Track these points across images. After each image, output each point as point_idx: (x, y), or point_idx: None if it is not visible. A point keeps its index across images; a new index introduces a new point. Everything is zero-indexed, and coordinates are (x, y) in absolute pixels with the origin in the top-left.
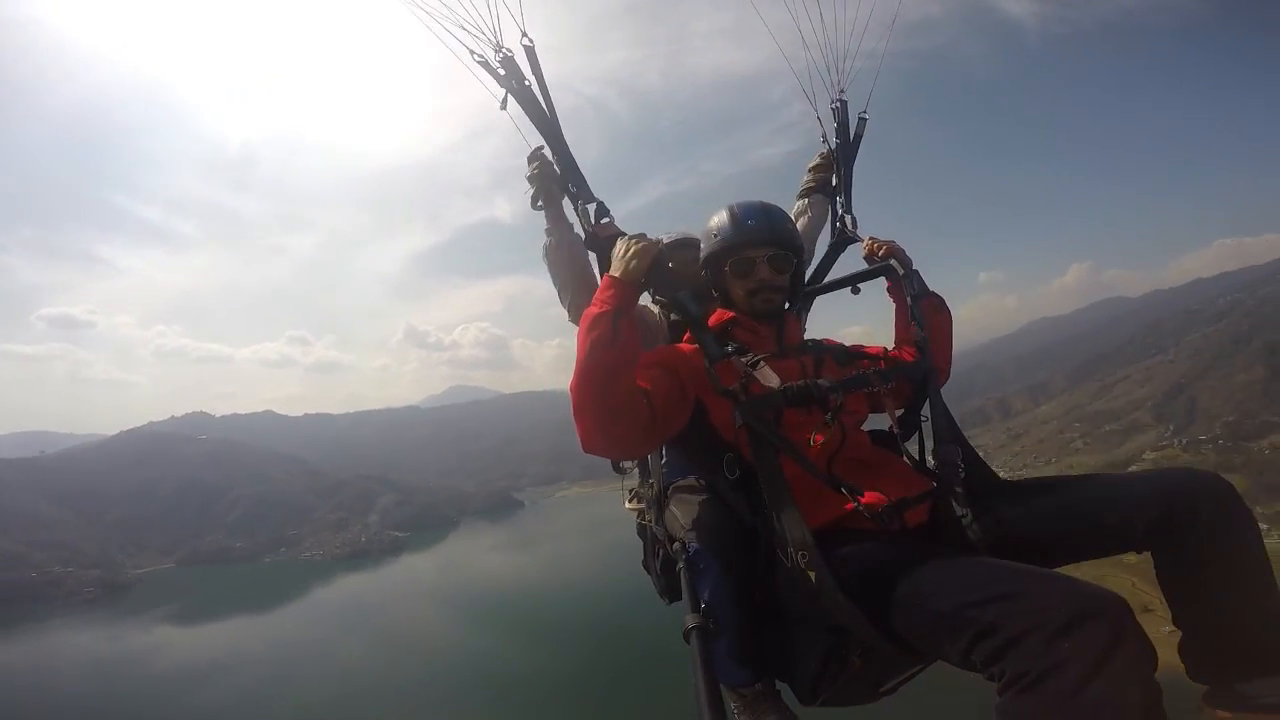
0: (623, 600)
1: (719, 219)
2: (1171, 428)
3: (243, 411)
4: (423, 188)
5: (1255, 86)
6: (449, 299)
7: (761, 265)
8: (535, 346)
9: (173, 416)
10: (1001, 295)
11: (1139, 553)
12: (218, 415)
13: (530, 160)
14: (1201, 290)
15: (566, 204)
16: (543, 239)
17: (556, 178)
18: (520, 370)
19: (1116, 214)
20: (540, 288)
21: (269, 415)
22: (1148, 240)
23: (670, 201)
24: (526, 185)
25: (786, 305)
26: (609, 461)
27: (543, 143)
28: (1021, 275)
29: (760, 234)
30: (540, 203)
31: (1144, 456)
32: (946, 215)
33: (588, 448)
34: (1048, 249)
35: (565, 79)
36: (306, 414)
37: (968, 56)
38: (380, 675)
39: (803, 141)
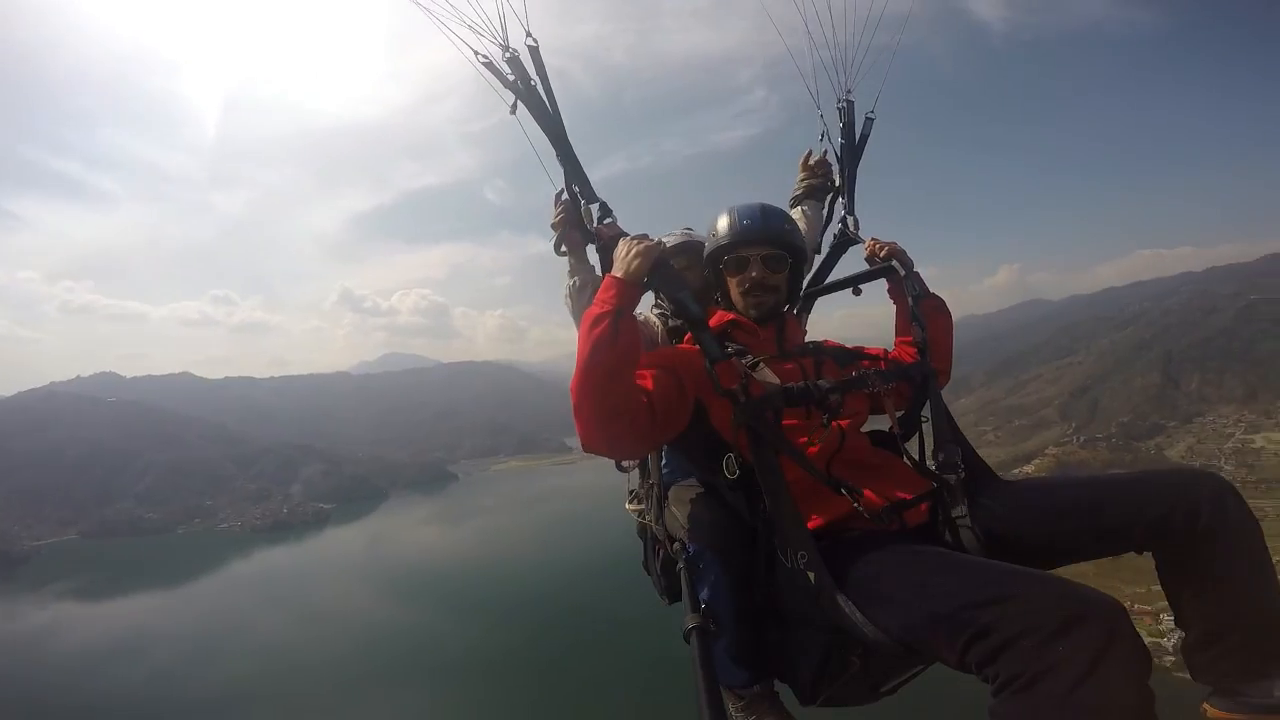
0: (561, 577)
1: (720, 220)
2: (1074, 425)
3: (157, 373)
4: (370, 148)
5: (1198, 104)
6: (389, 263)
7: (755, 263)
8: (477, 316)
9: (79, 377)
10: (936, 290)
11: (1139, 553)
12: (129, 376)
13: (556, 204)
14: (1115, 298)
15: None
16: (565, 281)
17: (580, 222)
18: (460, 339)
19: (1051, 219)
20: (485, 256)
21: (186, 378)
22: (1075, 246)
23: (631, 178)
24: (551, 231)
25: (785, 307)
26: (548, 435)
27: (563, 186)
28: (955, 272)
29: (755, 233)
30: (565, 248)
31: (1047, 451)
32: (889, 208)
33: (587, 447)
34: (982, 248)
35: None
36: (228, 377)
37: (931, 54)
38: (305, 652)
39: (761, 128)
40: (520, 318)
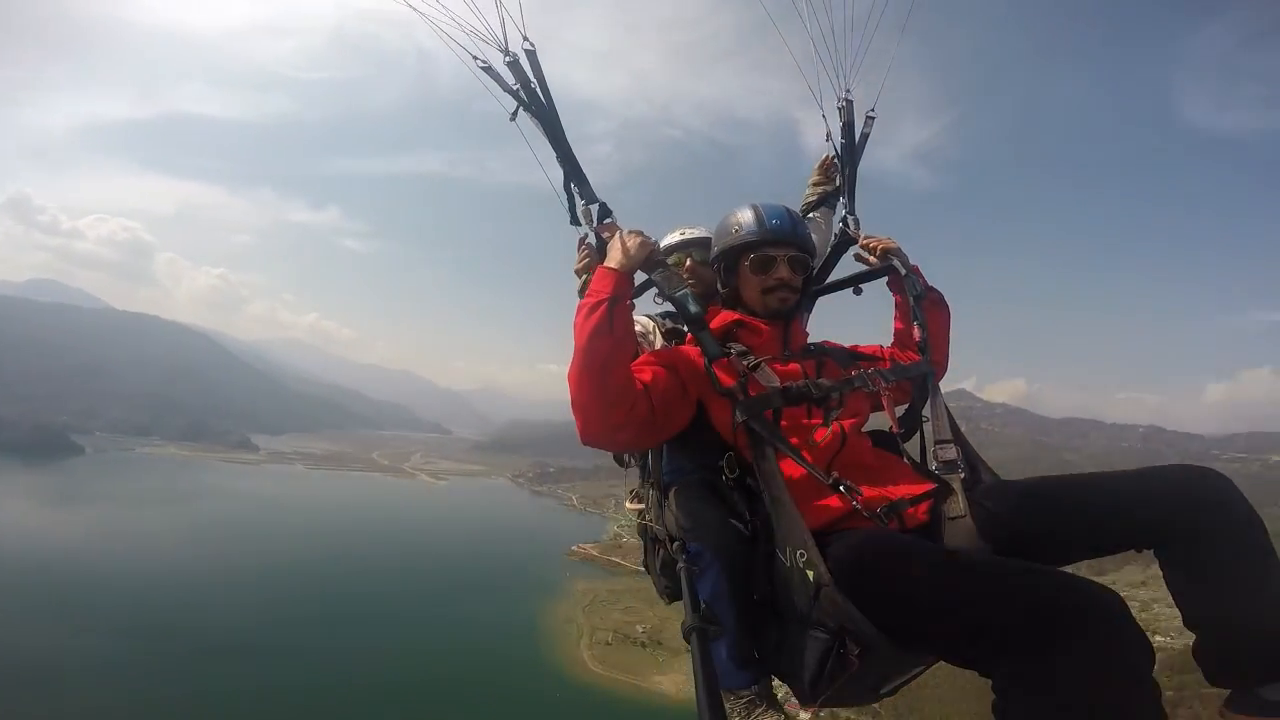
0: (178, 590)
1: (742, 215)
2: None
3: None
4: (160, 55)
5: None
6: (106, 182)
7: (781, 264)
8: (189, 268)
9: None
10: None
11: (1140, 551)
12: None
13: (579, 248)
14: None
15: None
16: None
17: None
18: (155, 289)
19: None
20: (234, 208)
21: None
22: None
23: (434, 180)
24: (576, 279)
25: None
26: (230, 427)
27: (588, 231)
28: None
29: (784, 234)
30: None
31: None
32: None
33: (586, 438)
34: None
35: (402, 19)
36: None
37: (756, 163)
38: None
39: (594, 182)
40: (244, 285)
